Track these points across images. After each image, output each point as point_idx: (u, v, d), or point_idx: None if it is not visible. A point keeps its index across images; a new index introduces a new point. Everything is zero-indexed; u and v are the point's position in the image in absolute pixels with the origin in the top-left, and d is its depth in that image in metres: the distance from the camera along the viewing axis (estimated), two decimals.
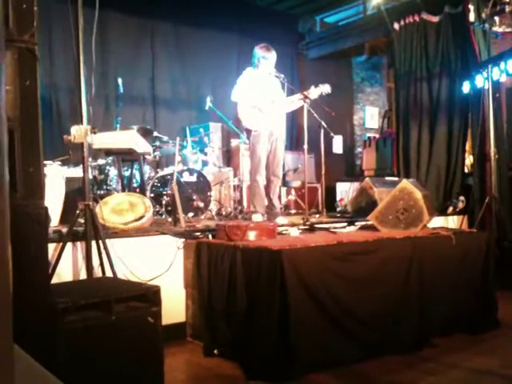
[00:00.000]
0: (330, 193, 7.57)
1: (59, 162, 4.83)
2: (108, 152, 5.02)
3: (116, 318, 2.49)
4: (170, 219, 4.91)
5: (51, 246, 3.24)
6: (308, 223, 4.77)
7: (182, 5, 7.58)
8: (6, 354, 0.69)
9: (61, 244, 3.34)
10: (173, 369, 3.10)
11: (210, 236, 4.02)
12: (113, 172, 5.39)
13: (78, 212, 3.45)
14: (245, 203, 6.52)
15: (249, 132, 5.24)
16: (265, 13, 8.62)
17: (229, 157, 7.54)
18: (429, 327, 3.71)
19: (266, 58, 5.22)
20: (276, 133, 5.24)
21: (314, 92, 5.23)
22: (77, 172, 4.80)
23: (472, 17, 5.71)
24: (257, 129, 5.14)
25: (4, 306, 0.65)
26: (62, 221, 4.32)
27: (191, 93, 7.94)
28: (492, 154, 5.75)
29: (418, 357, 3.44)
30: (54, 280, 3.19)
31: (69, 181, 4.66)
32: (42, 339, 2.12)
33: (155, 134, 6.15)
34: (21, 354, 1.09)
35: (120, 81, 6.05)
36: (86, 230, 3.41)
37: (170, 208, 5.13)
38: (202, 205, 5.58)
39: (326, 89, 5.25)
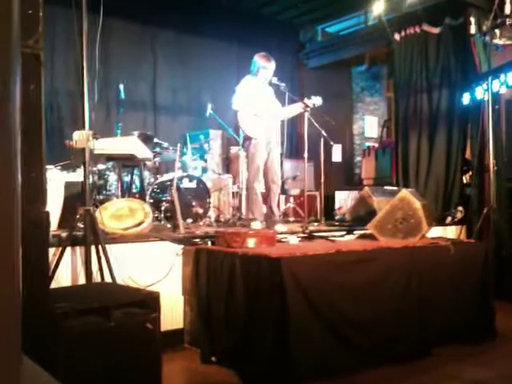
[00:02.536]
0: (329, 201, 7.58)
1: (59, 167, 4.83)
2: (109, 157, 5.04)
3: (115, 324, 2.50)
4: (168, 225, 4.90)
5: (50, 251, 3.23)
6: (307, 231, 4.77)
7: (183, 13, 7.63)
8: (12, 362, 0.69)
9: (60, 248, 3.33)
10: (170, 375, 3.08)
11: (210, 243, 4.02)
12: (112, 177, 5.38)
13: (77, 217, 3.45)
14: (243, 210, 6.53)
15: (246, 140, 5.27)
16: (266, 22, 8.64)
17: (228, 164, 7.55)
18: (427, 337, 3.71)
19: (265, 68, 5.31)
20: (272, 141, 5.29)
21: (308, 103, 5.28)
22: (76, 177, 4.80)
23: (473, 29, 5.73)
24: (257, 137, 5.17)
25: (13, 314, 0.66)
26: (61, 225, 4.31)
27: (191, 100, 7.97)
28: (491, 165, 5.76)
29: (417, 367, 3.42)
30: (53, 285, 3.18)
31: (68, 185, 4.65)
32: (41, 344, 2.11)
33: (155, 140, 6.16)
34: (27, 362, 1.09)
35: (121, 87, 6.07)
36: (86, 234, 3.41)
37: (168, 214, 5.13)
38: (201, 211, 5.58)
39: (317, 101, 5.29)
